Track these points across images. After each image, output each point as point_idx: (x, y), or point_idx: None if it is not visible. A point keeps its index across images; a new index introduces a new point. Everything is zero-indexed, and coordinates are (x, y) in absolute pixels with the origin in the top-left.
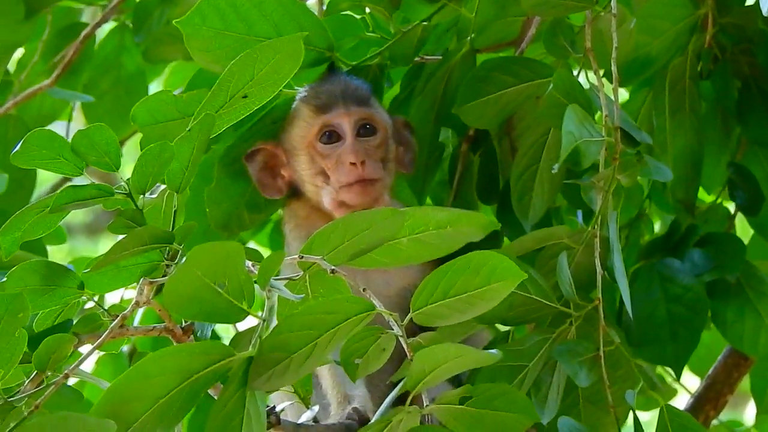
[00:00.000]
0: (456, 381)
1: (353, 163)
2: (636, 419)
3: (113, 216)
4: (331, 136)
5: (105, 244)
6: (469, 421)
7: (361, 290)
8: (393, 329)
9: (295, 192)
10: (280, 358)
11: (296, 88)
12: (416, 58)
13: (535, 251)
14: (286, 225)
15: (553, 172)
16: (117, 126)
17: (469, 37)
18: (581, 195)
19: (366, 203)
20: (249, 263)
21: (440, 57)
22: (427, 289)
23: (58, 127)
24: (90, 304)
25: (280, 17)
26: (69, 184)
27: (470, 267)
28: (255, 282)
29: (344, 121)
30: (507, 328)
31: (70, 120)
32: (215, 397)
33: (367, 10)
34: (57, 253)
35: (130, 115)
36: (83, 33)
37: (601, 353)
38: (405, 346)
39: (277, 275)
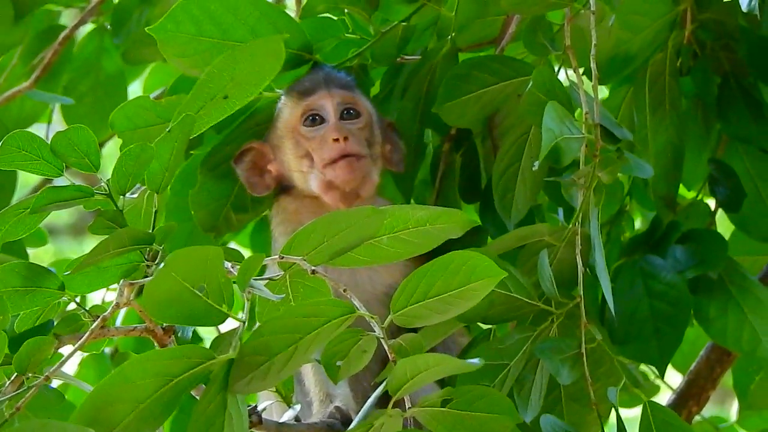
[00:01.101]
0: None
1: (336, 139)
2: (618, 417)
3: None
4: (315, 119)
5: (90, 244)
6: (451, 424)
7: (342, 291)
8: (374, 330)
9: (283, 188)
10: (261, 360)
11: (277, 90)
12: (398, 58)
13: (517, 249)
14: (273, 220)
15: (533, 169)
16: (97, 128)
17: (450, 36)
18: (562, 192)
19: (352, 181)
20: (229, 264)
21: (419, 56)
22: (407, 290)
23: (37, 129)
24: (71, 306)
25: (256, 21)
26: (49, 185)
27: (450, 267)
28: (234, 283)
29: (327, 103)
30: (488, 326)
31: (49, 122)
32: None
33: (346, 11)
34: (42, 255)
35: (108, 120)
36: (62, 35)
37: (583, 350)
38: (386, 347)
39: (261, 275)
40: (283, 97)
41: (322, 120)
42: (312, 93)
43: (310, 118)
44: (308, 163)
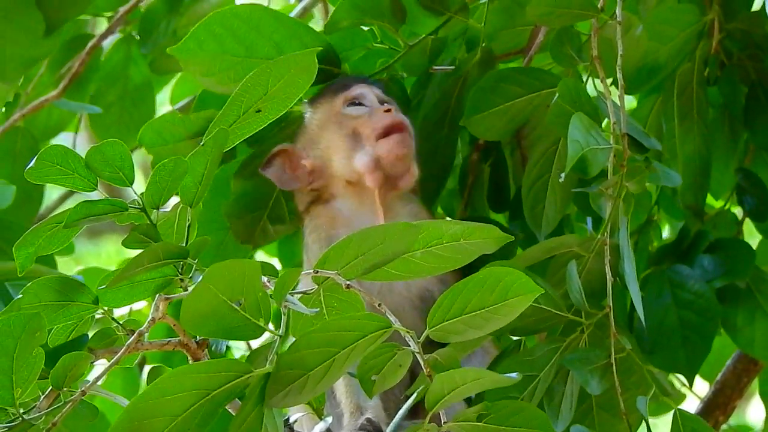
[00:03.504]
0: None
1: (387, 110)
2: (648, 426)
3: (126, 229)
4: (356, 103)
5: (106, 245)
6: None
7: (377, 305)
8: (409, 344)
9: (313, 200)
10: (298, 374)
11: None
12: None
13: (546, 260)
14: (306, 229)
15: (560, 180)
16: (124, 137)
17: (480, 46)
18: (590, 203)
19: (403, 157)
20: (264, 279)
21: (450, 66)
22: (443, 305)
23: (64, 138)
24: (99, 315)
25: (281, 37)
26: (80, 199)
27: (486, 283)
28: (271, 297)
29: (367, 92)
30: (518, 337)
31: (77, 131)
32: (233, 413)
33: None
34: (61, 256)
35: (137, 136)
36: (90, 44)
37: (613, 360)
38: (422, 362)
39: (294, 288)
40: (310, 103)
41: (363, 106)
42: (348, 87)
43: (352, 102)
44: (355, 141)
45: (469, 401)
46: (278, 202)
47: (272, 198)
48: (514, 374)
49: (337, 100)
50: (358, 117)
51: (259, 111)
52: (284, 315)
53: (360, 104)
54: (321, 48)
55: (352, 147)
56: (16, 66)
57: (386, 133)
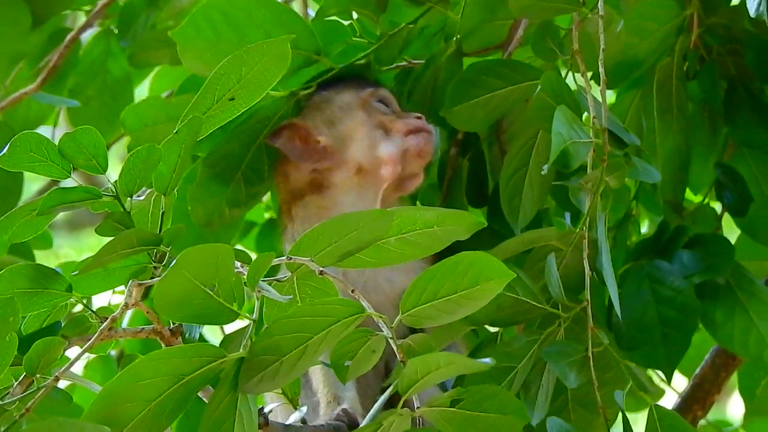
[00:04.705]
0: (442, 385)
1: (418, 117)
2: (625, 420)
3: (100, 217)
4: (383, 103)
5: (87, 239)
6: (460, 424)
7: (350, 292)
8: (383, 331)
9: (312, 184)
10: (271, 360)
11: (281, 91)
12: (404, 62)
13: (524, 253)
14: (295, 219)
15: (543, 173)
16: (103, 130)
17: (455, 38)
18: (569, 197)
19: (427, 155)
20: (238, 264)
21: (420, 61)
22: (416, 290)
23: (43, 132)
24: (78, 307)
25: (270, 25)
26: (55, 187)
27: (458, 268)
28: (244, 284)
29: (392, 97)
30: (495, 329)
31: (55, 125)
32: (205, 401)
33: (355, 15)
34: (39, 250)
35: (120, 119)
36: (68, 38)
37: (590, 354)
38: (395, 348)
39: (273, 275)
40: (327, 85)
41: (388, 108)
42: (377, 86)
43: (380, 100)
44: (383, 132)
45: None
46: (238, 187)
47: (232, 183)
48: (487, 359)
49: (365, 91)
50: (387, 114)
51: (232, 99)
52: (257, 300)
53: (386, 105)
54: (295, 36)
55: (379, 136)
56: (3, 60)
57: (416, 131)
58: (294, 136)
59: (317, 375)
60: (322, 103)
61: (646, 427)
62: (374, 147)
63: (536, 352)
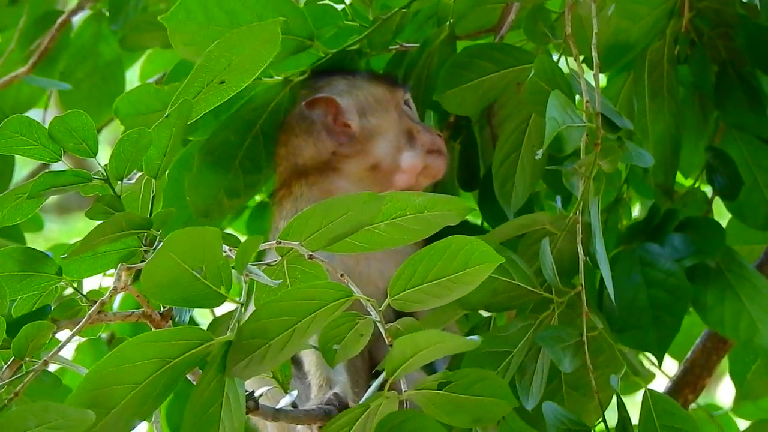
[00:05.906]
0: (430, 370)
1: (440, 135)
2: (621, 403)
3: (90, 201)
4: (409, 107)
5: (76, 223)
6: (448, 407)
7: (339, 276)
8: (371, 315)
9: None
10: (259, 344)
11: (275, 77)
12: (397, 46)
13: (518, 238)
14: (295, 196)
15: (536, 158)
16: (94, 113)
17: (448, 23)
18: (562, 181)
19: (436, 177)
20: (226, 248)
21: (415, 45)
22: (405, 274)
23: (34, 115)
24: (68, 291)
25: (262, 8)
26: (46, 170)
27: (447, 251)
28: (232, 267)
29: (412, 104)
30: (488, 314)
31: (46, 108)
32: (194, 383)
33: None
34: (30, 233)
35: (113, 107)
36: (59, 21)
37: (584, 339)
38: (383, 331)
39: (261, 259)
40: (363, 75)
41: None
42: (406, 90)
43: (407, 104)
44: (408, 140)
45: None
46: (236, 177)
47: (230, 172)
48: (475, 337)
49: (398, 92)
50: (415, 123)
51: (222, 82)
52: (245, 283)
53: (413, 111)
54: (285, 19)
55: (405, 142)
56: None
57: (437, 153)
58: (328, 111)
59: (309, 358)
60: (355, 89)
61: (640, 412)
62: (398, 152)
63: (531, 336)
